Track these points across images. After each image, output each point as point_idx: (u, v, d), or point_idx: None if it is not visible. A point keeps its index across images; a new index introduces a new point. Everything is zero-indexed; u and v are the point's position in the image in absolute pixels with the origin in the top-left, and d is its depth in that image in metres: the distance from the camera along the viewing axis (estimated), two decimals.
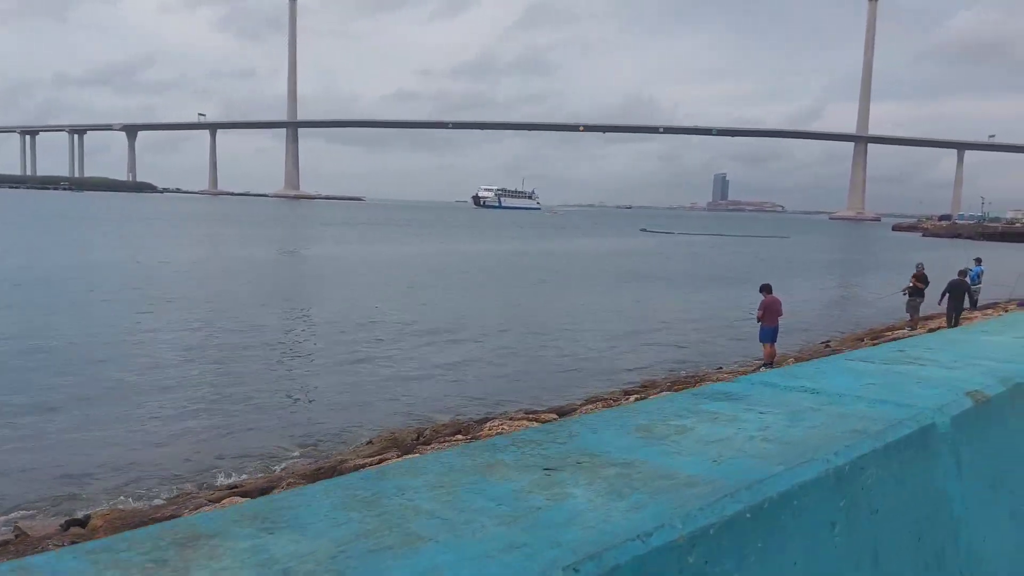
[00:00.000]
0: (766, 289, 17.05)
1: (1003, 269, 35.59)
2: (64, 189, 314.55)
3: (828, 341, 22.84)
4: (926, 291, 21.87)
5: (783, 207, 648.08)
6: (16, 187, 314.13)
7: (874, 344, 21.25)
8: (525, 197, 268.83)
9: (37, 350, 18.54)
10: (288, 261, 49.38)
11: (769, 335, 16.85)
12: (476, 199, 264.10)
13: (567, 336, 23.11)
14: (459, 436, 10.72)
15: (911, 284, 21.87)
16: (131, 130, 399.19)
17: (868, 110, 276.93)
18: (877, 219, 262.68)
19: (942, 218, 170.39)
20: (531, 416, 11.62)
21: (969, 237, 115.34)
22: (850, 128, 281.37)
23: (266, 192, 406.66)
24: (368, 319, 24.71)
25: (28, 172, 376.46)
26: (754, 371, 17.19)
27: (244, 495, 8.43)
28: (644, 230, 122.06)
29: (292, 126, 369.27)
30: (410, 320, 24.58)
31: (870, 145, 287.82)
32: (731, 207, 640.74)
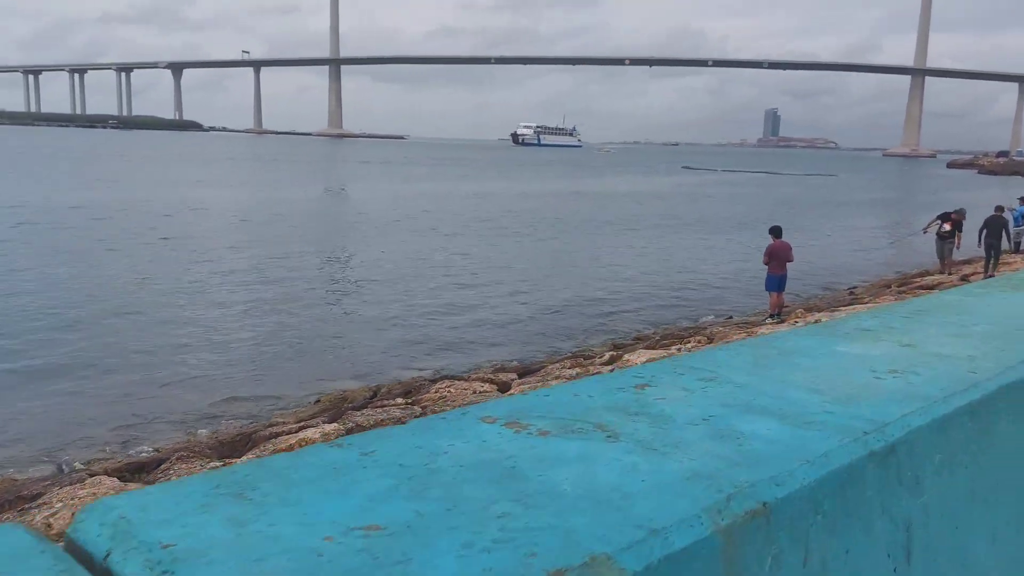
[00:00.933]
0: (775, 232, 15.48)
1: None
2: (112, 127, 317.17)
3: (855, 287, 21.22)
4: (962, 237, 20.00)
5: (836, 144, 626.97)
6: (65, 125, 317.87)
7: (900, 293, 19.55)
8: (565, 134, 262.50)
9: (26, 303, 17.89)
10: (329, 203, 48.37)
11: (775, 283, 15.33)
12: (515, 137, 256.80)
13: (580, 285, 21.78)
14: (400, 400, 9.65)
15: (942, 225, 20.00)
16: (176, 68, 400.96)
17: (927, 42, 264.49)
18: (933, 156, 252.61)
19: (999, 155, 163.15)
20: (488, 377, 10.47)
21: None
22: (907, 61, 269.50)
23: (310, 131, 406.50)
24: (375, 266, 23.61)
25: (77, 111, 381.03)
26: (760, 322, 15.76)
27: (131, 474, 7.49)
28: (686, 167, 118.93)
29: (335, 63, 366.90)
30: (420, 269, 23.39)
31: (928, 79, 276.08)
32: (782, 144, 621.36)
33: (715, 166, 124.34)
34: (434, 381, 10.53)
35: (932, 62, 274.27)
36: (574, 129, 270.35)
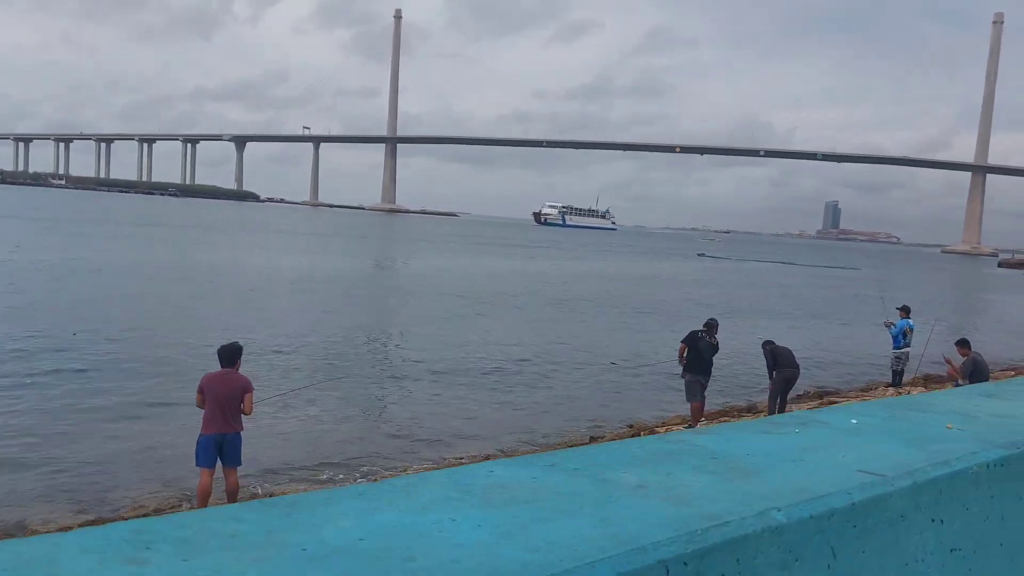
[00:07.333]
0: (225, 356, 8.69)
1: None
2: (171, 195, 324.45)
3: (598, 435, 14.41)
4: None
5: (898, 238, 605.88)
6: (126, 191, 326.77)
7: None
8: (597, 216, 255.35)
9: None
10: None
11: (209, 454, 8.32)
12: (537, 216, 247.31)
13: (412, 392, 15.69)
14: None
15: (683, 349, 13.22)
16: (240, 141, 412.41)
17: (988, 139, 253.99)
18: (994, 254, 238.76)
19: None
20: None
21: None
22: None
23: (363, 205, 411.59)
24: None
25: (143, 178, 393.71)
26: None
27: None
28: (701, 255, 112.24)
29: (391, 141, 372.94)
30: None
31: (994, 178, 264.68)
32: (842, 236, 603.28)
33: (730, 254, 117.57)
34: None
35: (1001, 160, 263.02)
36: (607, 211, 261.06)
